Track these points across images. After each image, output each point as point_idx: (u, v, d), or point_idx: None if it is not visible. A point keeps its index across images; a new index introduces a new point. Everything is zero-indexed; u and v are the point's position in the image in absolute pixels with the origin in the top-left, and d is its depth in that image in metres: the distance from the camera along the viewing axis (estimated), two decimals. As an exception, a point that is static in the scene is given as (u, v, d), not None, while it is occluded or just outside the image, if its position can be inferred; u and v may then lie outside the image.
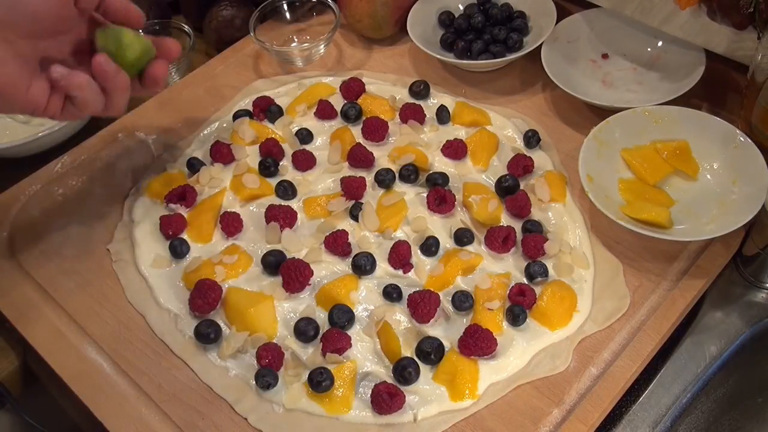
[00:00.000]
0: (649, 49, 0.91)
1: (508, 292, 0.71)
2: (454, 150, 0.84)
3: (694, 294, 0.72)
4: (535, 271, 0.72)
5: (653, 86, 0.88)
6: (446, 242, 0.76)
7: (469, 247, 0.76)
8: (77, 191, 0.87)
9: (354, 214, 0.79)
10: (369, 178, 0.83)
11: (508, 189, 0.79)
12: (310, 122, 0.90)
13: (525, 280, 0.73)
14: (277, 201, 0.81)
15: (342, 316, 0.70)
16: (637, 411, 0.68)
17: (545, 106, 0.90)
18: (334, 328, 0.69)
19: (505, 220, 0.78)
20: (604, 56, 0.93)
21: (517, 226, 0.77)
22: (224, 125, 0.92)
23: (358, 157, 0.83)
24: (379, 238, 0.78)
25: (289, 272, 0.72)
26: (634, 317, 0.70)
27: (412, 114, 0.88)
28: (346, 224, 0.79)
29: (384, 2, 0.96)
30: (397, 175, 0.82)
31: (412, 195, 0.81)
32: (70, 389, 0.70)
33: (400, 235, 0.78)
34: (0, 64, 0.56)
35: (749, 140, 0.75)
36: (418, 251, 0.76)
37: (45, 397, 0.79)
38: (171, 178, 0.85)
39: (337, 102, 0.91)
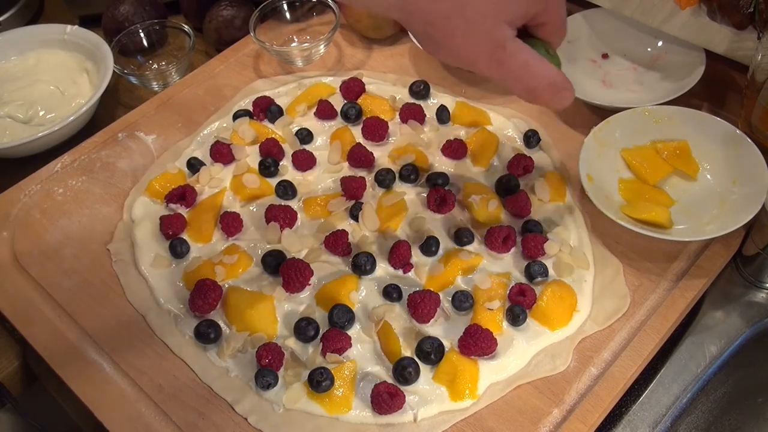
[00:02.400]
0: (649, 49, 0.91)
1: (508, 292, 0.71)
2: (454, 150, 0.84)
3: (694, 294, 0.72)
4: (535, 271, 0.72)
5: (653, 86, 0.88)
6: (446, 242, 0.76)
7: (469, 247, 0.76)
8: (77, 191, 0.87)
9: (354, 214, 0.79)
10: (369, 178, 0.83)
11: (508, 189, 0.79)
12: (310, 122, 0.90)
13: (525, 280, 0.73)
14: (277, 201, 0.81)
15: (342, 316, 0.70)
16: (637, 411, 0.68)
17: (545, 106, 0.90)
18: (334, 328, 0.69)
19: (505, 220, 0.78)
20: (604, 56, 0.93)
21: (517, 226, 0.77)
22: (224, 125, 0.92)
23: (358, 157, 0.83)
24: (379, 238, 0.78)
25: (289, 272, 0.72)
26: (634, 317, 0.70)
27: (412, 114, 0.88)
28: (346, 224, 0.79)
29: (384, 2, 0.96)
30: (397, 175, 0.82)
31: (412, 195, 0.81)
32: (70, 389, 0.70)
33: (400, 235, 0.78)
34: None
35: (749, 140, 0.75)
36: (418, 251, 0.76)
37: (45, 397, 0.79)
38: (171, 178, 0.85)
39: (337, 102, 0.91)
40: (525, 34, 0.58)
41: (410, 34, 0.62)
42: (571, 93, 0.57)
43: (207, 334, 0.70)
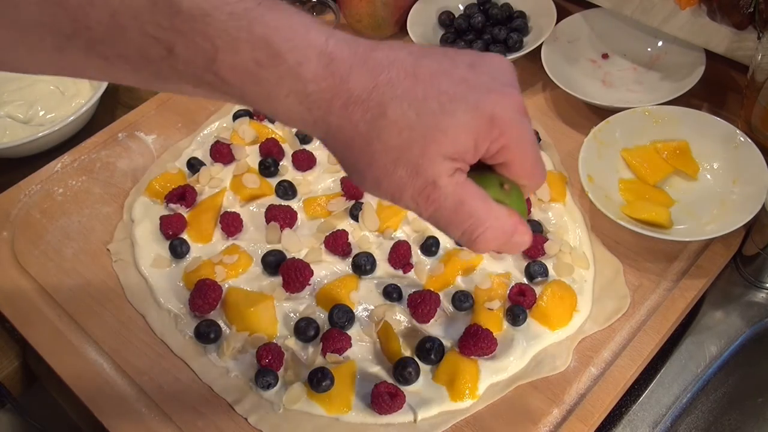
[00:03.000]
0: (649, 49, 0.91)
1: (508, 292, 0.71)
2: (454, 150, 0.83)
3: (694, 294, 0.72)
4: (535, 271, 0.72)
5: (653, 86, 0.88)
6: (446, 242, 0.76)
7: (469, 247, 0.76)
8: (77, 191, 0.87)
9: (354, 214, 0.79)
10: (369, 178, 0.82)
11: (508, 189, 0.79)
12: (310, 122, 0.90)
13: (525, 280, 0.73)
14: (277, 201, 0.81)
15: (342, 316, 0.70)
16: (637, 411, 0.68)
17: (545, 106, 0.90)
18: (334, 328, 0.69)
19: (505, 220, 0.78)
20: (604, 56, 0.93)
21: (517, 226, 0.77)
22: (224, 125, 0.92)
23: (358, 157, 0.83)
24: (379, 238, 0.78)
25: (289, 272, 0.72)
26: (634, 317, 0.70)
27: (412, 114, 0.87)
28: (346, 224, 0.79)
29: (384, 2, 0.96)
30: (397, 175, 0.82)
31: (412, 195, 0.81)
32: (70, 389, 0.70)
33: (400, 235, 0.78)
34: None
35: (749, 140, 0.75)
36: (418, 251, 0.76)
37: (45, 397, 0.79)
38: (171, 178, 0.85)
39: (337, 102, 0.91)
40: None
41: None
42: (527, 238, 0.48)
43: (207, 334, 0.70)
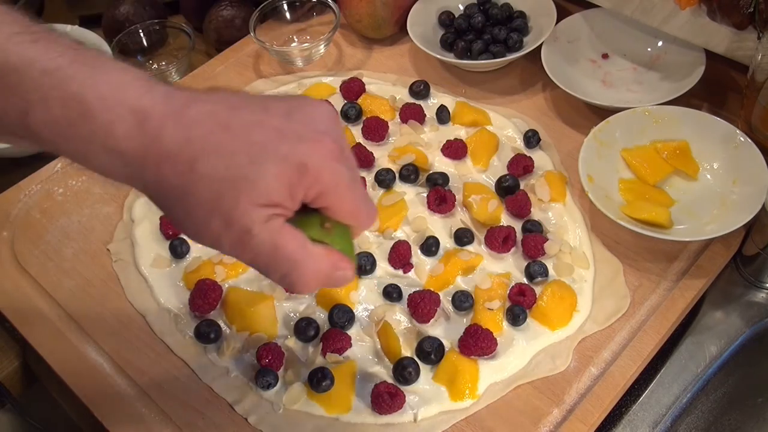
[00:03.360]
0: (649, 49, 0.91)
1: (508, 292, 0.71)
2: (454, 150, 0.84)
3: (694, 294, 0.72)
4: (535, 271, 0.72)
5: (653, 86, 0.88)
6: (446, 242, 0.76)
7: (469, 247, 0.76)
8: (77, 191, 0.87)
9: (354, 214, 0.79)
10: (369, 178, 0.83)
11: (508, 189, 0.79)
12: (310, 122, 0.90)
13: (525, 280, 0.73)
14: (277, 201, 0.81)
15: (342, 316, 0.70)
16: (637, 411, 0.68)
17: (545, 106, 0.90)
18: (334, 328, 0.69)
19: (505, 220, 0.78)
20: (604, 56, 0.93)
21: (517, 226, 0.77)
22: (224, 125, 0.91)
23: (358, 157, 0.83)
24: (379, 238, 0.78)
25: (289, 272, 0.72)
26: (634, 317, 0.70)
27: (412, 114, 0.88)
28: (346, 224, 0.78)
29: (384, 2, 0.96)
30: (397, 175, 0.82)
31: (412, 195, 0.81)
32: (70, 389, 0.70)
33: (400, 235, 0.78)
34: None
35: (749, 140, 0.75)
36: (418, 251, 0.76)
37: (45, 397, 0.79)
38: (171, 178, 0.85)
39: (337, 102, 0.91)
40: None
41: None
42: (349, 274, 0.49)
43: (207, 334, 0.70)
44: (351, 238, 0.51)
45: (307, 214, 0.48)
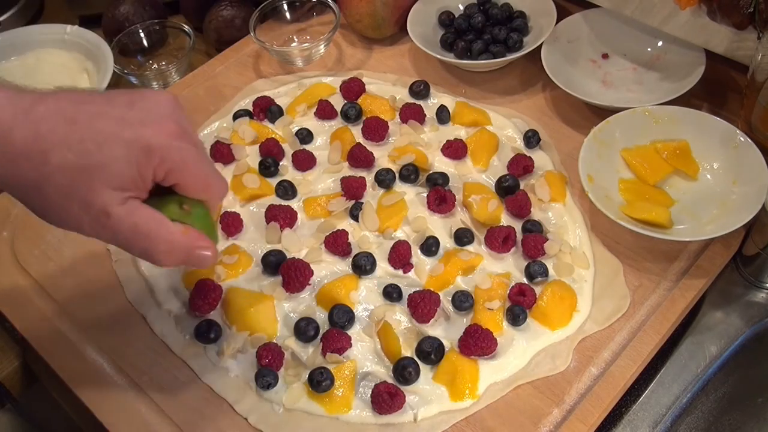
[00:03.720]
0: (649, 49, 0.91)
1: (508, 292, 0.71)
2: (454, 150, 0.84)
3: (694, 294, 0.72)
4: (535, 271, 0.72)
5: (653, 86, 0.88)
6: (446, 242, 0.76)
7: (469, 247, 0.76)
8: (77, 191, 0.87)
9: (354, 214, 0.79)
10: (369, 178, 0.83)
11: (508, 189, 0.79)
12: (310, 122, 0.90)
13: (525, 280, 0.73)
14: (277, 201, 0.81)
15: (342, 316, 0.70)
16: (637, 411, 0.68)
17: (545, 106, 0.90)
18: (334, 328, 0.69)
19: (505, 220, 0.78)
20: (604, 56, 0.93)
21: (517, 226, 0.77)
22: (224, 125, 0.92)
23: (358, 157, 0.83)
24: (379, 238, 0.78)
25: (289, 272, 0.72)
26: (634, 317, 0.70)
27: (412, 114, 0.88)
28: (346, 224, 0.79)
29: (384, 2, 0.96)
30: (397, 175, 0.82)
31: (412, 195, 0.81)
32: (70, 389, 0.70)
33: (400, 235, 0.78)
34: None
35: (749, 140, 0.75)
36: (418, 251, 0.76)
37: (45, 397, 0.79)
38: (171, 178, 0.85)
39: (337, 102, 0.91)
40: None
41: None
42: (208, 253, 0.54)
43: (207, 334, 0.70)
44: (211, 219, 0.55)
45: (165, 197, 0.53)
